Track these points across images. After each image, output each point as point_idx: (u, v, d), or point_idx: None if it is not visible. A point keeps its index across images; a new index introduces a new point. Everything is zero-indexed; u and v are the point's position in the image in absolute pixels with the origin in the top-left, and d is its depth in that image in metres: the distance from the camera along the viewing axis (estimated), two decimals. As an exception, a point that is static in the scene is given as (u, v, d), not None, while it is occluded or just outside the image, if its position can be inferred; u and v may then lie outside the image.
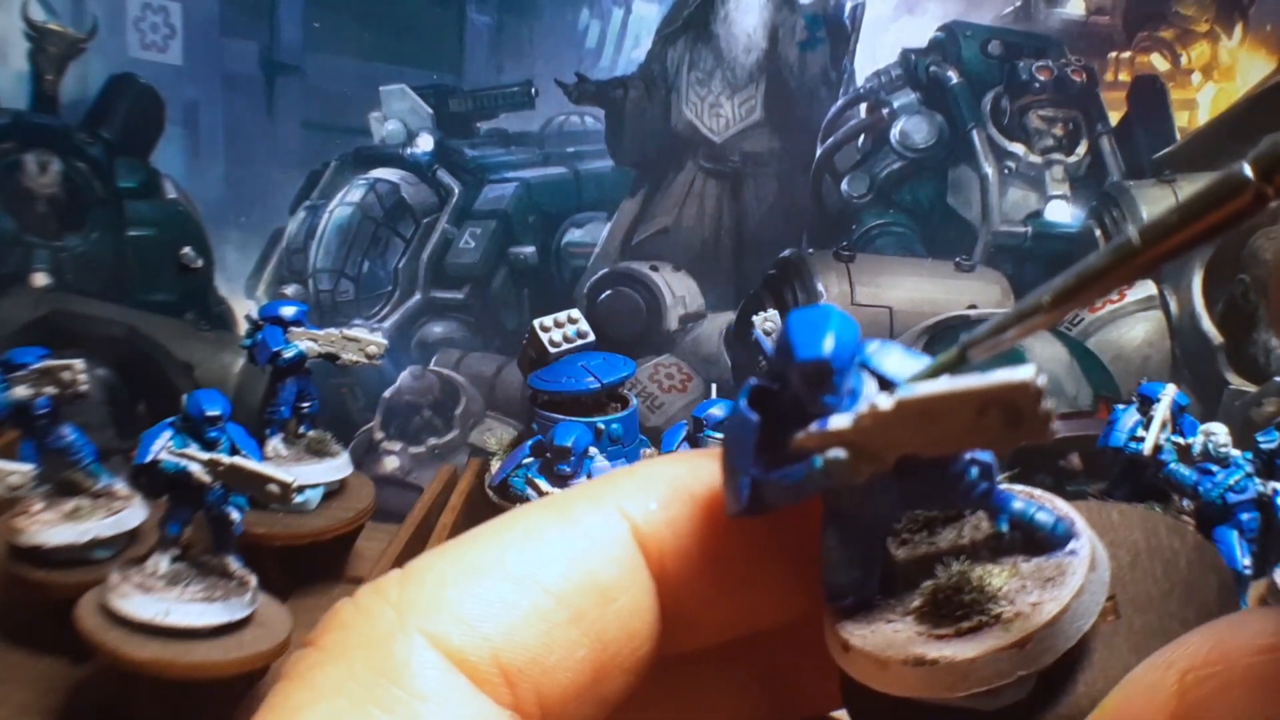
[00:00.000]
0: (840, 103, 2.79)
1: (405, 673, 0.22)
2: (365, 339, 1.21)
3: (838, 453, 0.22)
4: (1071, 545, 0.25)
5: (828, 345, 0.23)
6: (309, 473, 1.17)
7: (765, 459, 0.24)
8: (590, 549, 0.24)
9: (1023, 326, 0.22)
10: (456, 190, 2.91)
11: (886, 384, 0.24)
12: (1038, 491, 0.27)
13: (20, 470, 1.02)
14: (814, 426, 0.22)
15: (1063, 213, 2.46)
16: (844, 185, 2.69)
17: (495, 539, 0.24)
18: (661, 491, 0.26)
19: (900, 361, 0.24)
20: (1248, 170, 0.19)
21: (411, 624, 0.22)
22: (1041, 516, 0.25)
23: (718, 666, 0.28)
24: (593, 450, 1.13)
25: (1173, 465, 1.03)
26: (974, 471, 0.24)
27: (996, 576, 0.25)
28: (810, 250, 2.28)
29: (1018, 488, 0.27)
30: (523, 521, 0.25)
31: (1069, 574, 0.24)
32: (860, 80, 2.82)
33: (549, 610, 0.23)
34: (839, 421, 0.22)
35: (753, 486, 0.24)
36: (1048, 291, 0.22)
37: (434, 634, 0.22)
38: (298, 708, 0.21)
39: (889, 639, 0.24)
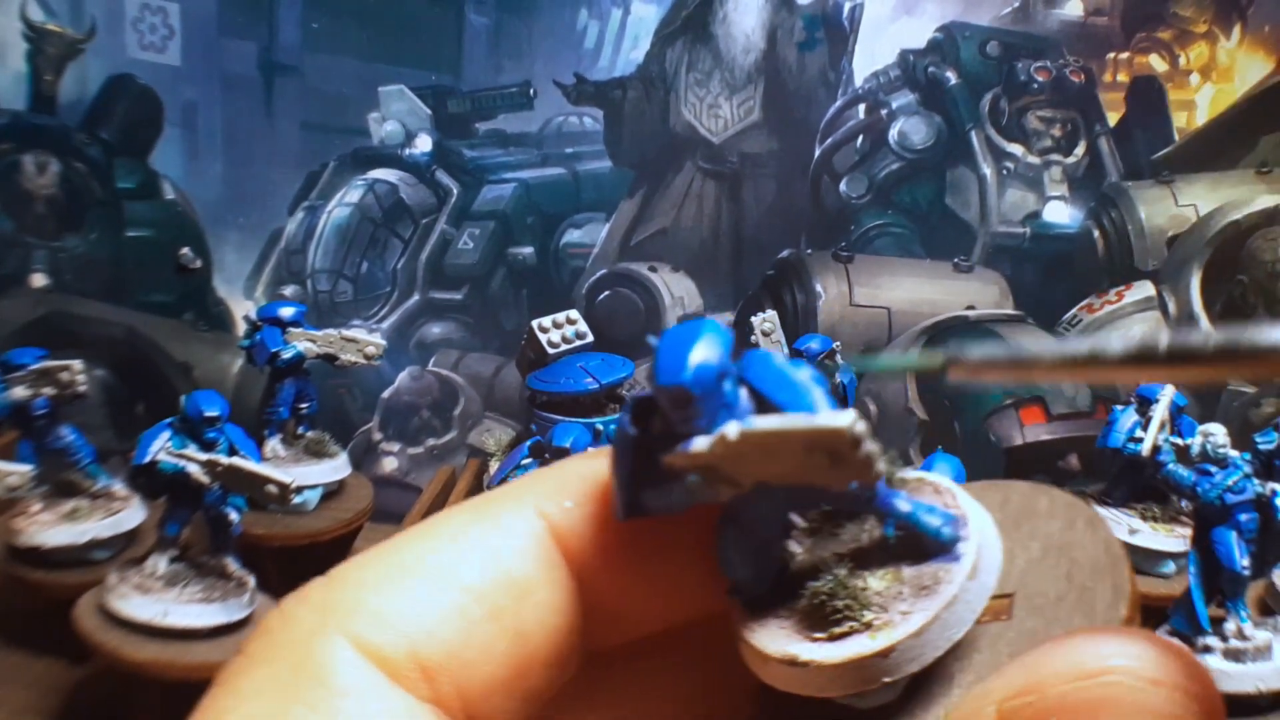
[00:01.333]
0: (839, 103, 2.80)
1: (325, 672, 0.22)
2: (364, 340, 1.21)
3: (695, 476, 0.23)
4: (955, 550, 0.25)
5: (687, 370, 0.23)
6: (307, 473, 1.17)
7: (645, 470, 0.24)
8: (507, 547, 0.25)
9: (1013, 372, 0.23)
10: (455, 191, 2.91)
11: (761, 400, 0.24)
12: (943, 484, 0.26)
13: (18, 471, 1.01)
14: (679, 447, 0.23)
15: (1061, 213, 2.46)
16: (842, 186, 2.69)
17: (415, 541, 0.25)
18: (577, 489, 0.26)
19: (774, 378, 0.24)
20: None
21: (331, 625, 0.23)
22: (927, 520, 0.25)
23: (650, 658, 0.28)
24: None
25: (1171, 466, 1.03)
26: None
27: (876, 581, 0.25)
28: (809, 251, 2.28)
29: (916, 476, 0.27)
30: (443, 524, 0.26)
31: (944, 583, 0.24)
32: (859, 81, 2.82)
33: (466, 606, 0.24)
34: (699, 445, 0.22)
35: (631, 497, 0.25)
36: (1053, 351, 0.22)
37: (353, 633, 0.23)
38: (223, 713, 0.22)
39: (773, 635, 0.25)
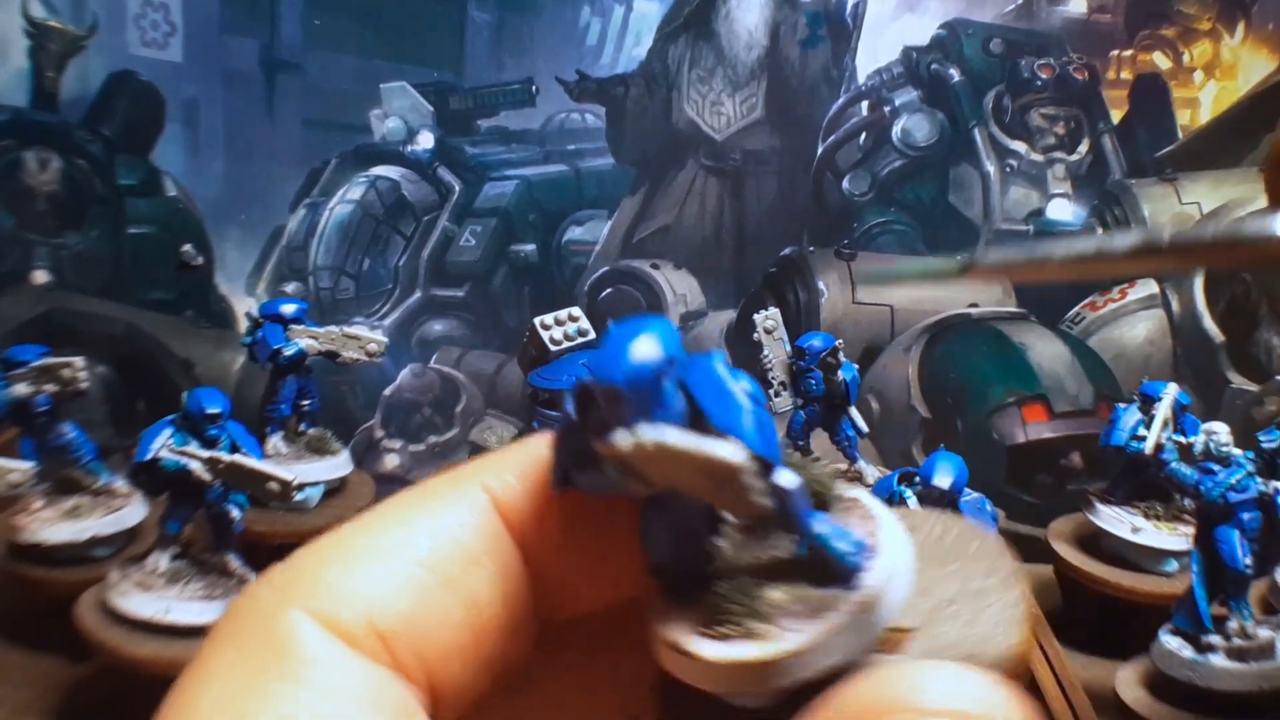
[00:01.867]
0: (841, 100, 2.79)
1: (290, 644, 0.24)
2: (365, 337, 1.21)
3: (612, 474, 0.24)
4: (855, 580, 0.25)
5: (621, 368, 0.24)
6: (309, 471, 1.17)
7: (580, 451, 0.26)
8: (454, 521, 0.27)
9: (1028, 270, 0.23)
10: (457, 188, 2.91)
11: (695, 406, 0.24)
12: (875, 510, 0.27)
13: (20, 468, 1.01)
14: (606, 437, 0.24)
15: (1064, 211, 2.45)
16: (845, 183, 2.69)
17: (369, 522, 0.27)
18: (520, 465, 0.28)
19: (712, 389, 0.25)
20: None
21: (292, 602, 0.24)
22: (836, 544, 0.25)
23: (604, 632, 0.29)
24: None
25: (1174, 464, 1.03)
26: (782, 488, 0.25)
27: (777, 593, 0.26)
28: (811, 248, 2.27)
29: (853, 497, 0.27)
30: (393, 505, 0.27)
31: (835, 610, 0.25)
32: (861, 78, 2.82)
33: (419, 577, 0.25)
34: (618, 440, 0.23)
35: (564, 474, 0.26)
36: (1062, 250, 0.22)
37: (313, 608, 0.24)
38: (195, 694, 0.24)
39: (673, 621, 0.26)
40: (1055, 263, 0.23)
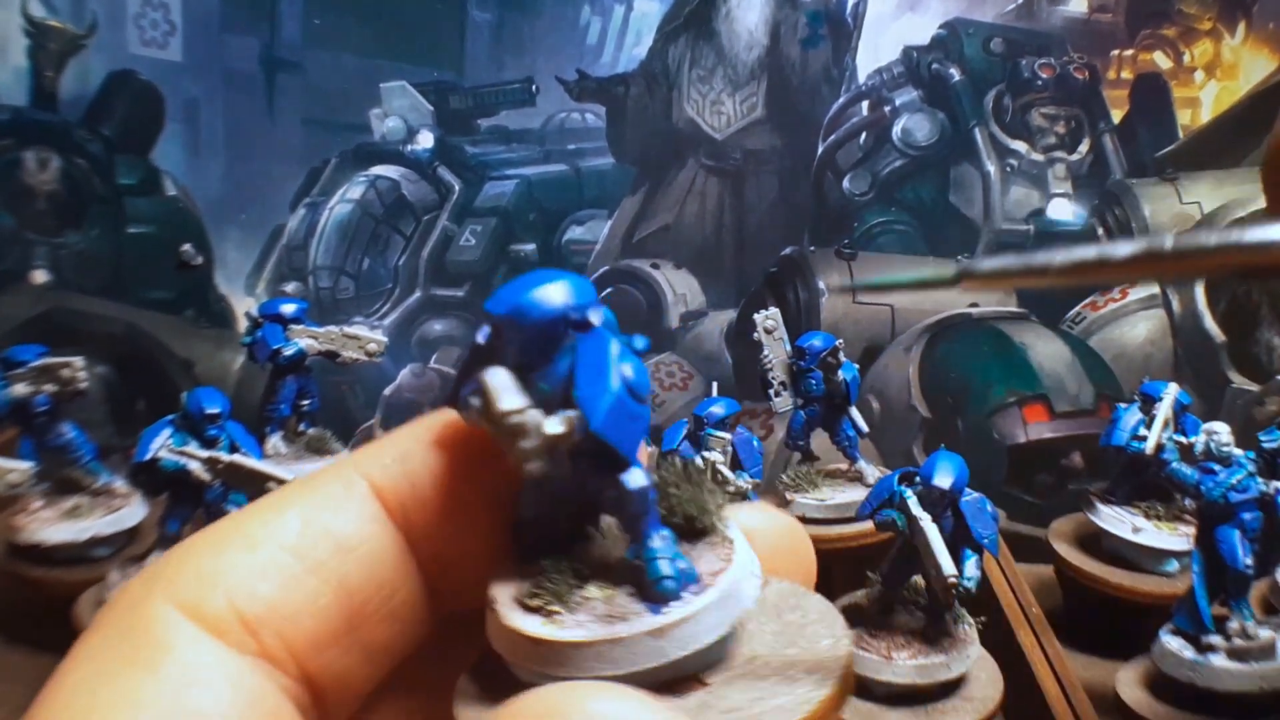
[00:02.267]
0: (842, 100, 2.79)
1: (151, 632, 0.24)
2: (365, 336, 1.21)
3: (471, 399, 0.24)
4: (666, 606, 0.25)
5: (507, 304, 0.24)
6: (309, 471, 1.17)
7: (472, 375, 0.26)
8: (325, 506, 0.26)
9: (1025, 279, 0.23)
10: (457, 187, 2.91)
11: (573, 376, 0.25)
12: (738, 556, 0.27)
13: (19, 468, 1.01)
14: (482, 371, 0.24)
15: (1065, 210, 2.45)
16: (846, 183, 2.69)
17: (244, 513, 0.27)
18: (401, 448, 0.27)
19: (591, 362, 0.25)
20: None
21: (157, 590, 0.25)
22: (658, 564, 0.26)
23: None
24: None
25: (1175, 464, 1.03)
26: (613, 492, 0.26)
27: (594, 589, 0.26)
28: (812, 248, 2.27)
29: (730, 536, 0.27)
30: (273, 496, 0.27)
31: (628, 624, 0.25)
32: (862, 78, 2.82)
33: (285, 563, 0.25)
34: (482, 376, 0.24)
35: (449, 401, 0.26)
36: (1062, 257, 0.22)
37: (177, 596, 0.24)
38: (62, 677, 0.24)
39: (506, 580, 0.26)
40: (1055, 270, 0.22)
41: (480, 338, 0.26)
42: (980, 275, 0.23)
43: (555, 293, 0.25)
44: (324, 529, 0.26)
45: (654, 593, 0.25)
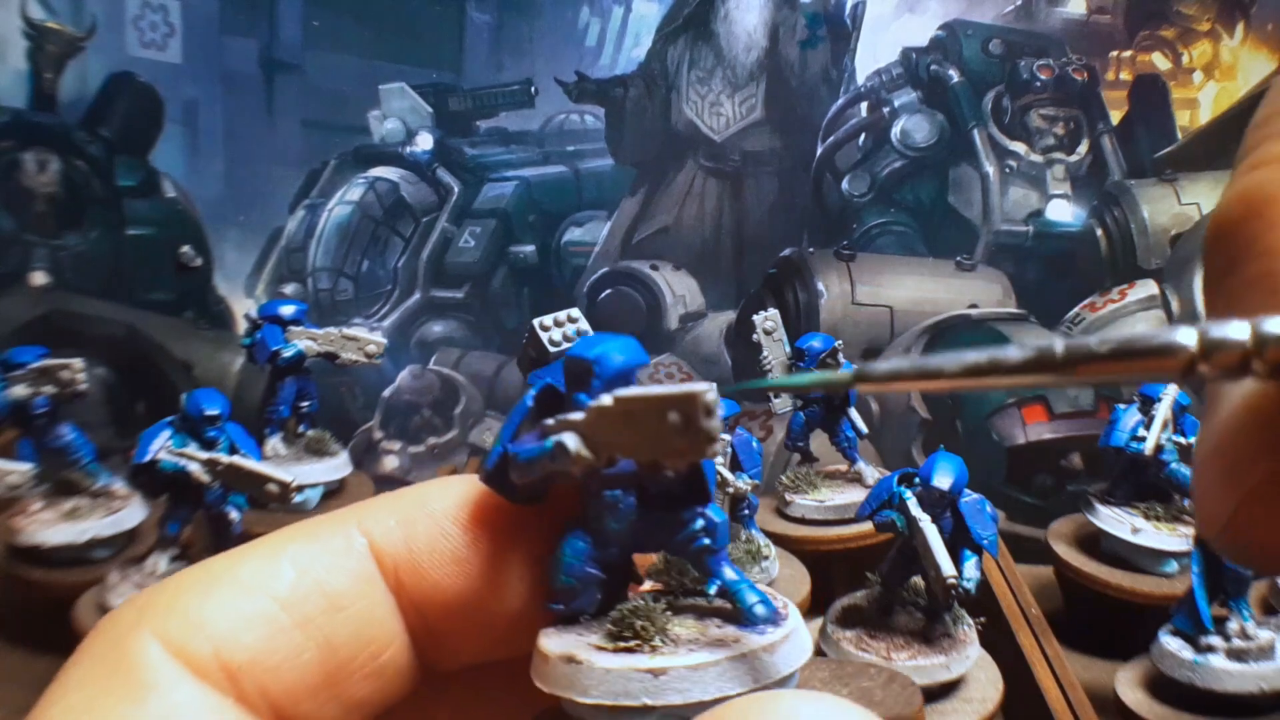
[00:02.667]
0: (841, 101, 2.79)
1: (135, 667, 0.24)
2: (365, 338, 1.21)
3: (565, 436, 0.25)
4: (764, 628, 0.26)
5: (598, 351, 0.26)
6: (308, 472, 1.17)
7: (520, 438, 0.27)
8: (323, 561, 0.26)
9: (919, 382, 0.23)
10: (456, 189, 2.90)
11: None
12: (782, 598, 0.28)
13: (18, 469, 1.01)
14: (579, 404, 0.25)
15: (1064, 212, 2.45)
16: (845, 184, 2.69)
17: (241, 554, 0.27)
18: (403, 509, 0.27)
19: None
20: (1190, 341, 0.20)
21: (144, 625, 0.25)
22: (746, 594, 0.27)
23: (492, 687, 0.29)
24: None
25: (1174, 465, 1.03)
26: (699, 523, 0.27)
27: (683, 627, 0.27)
28: (811, 249, 2.27)
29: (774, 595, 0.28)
30: (270, 539, 0.27)
31: (739, 643, 0.26)
32: (861, 79, 2.82)
33: (273, 615, 0.25)
34: (602, 400, 0.25)
35: (501, 456, 0.26)
36: (954, 362, 0.23)
37: (163, 633, 0.25)
38: (50, 704, 0.24)
39: (564, 641, 0.26)
40: (948, 373, 0.23)
41: (529, 399, 0.27)
42: (876, 378, 0.23)
43: (632, 349, 0.26)
44: (317, 584, 0.26)
45: (749, 618, 0.26)
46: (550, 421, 0.25)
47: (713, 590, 0.27)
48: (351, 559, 0.27)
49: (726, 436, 1.01)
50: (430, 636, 0.27)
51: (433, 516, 0.27)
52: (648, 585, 0.28)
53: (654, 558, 0.28)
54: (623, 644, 0.26)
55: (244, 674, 0.25)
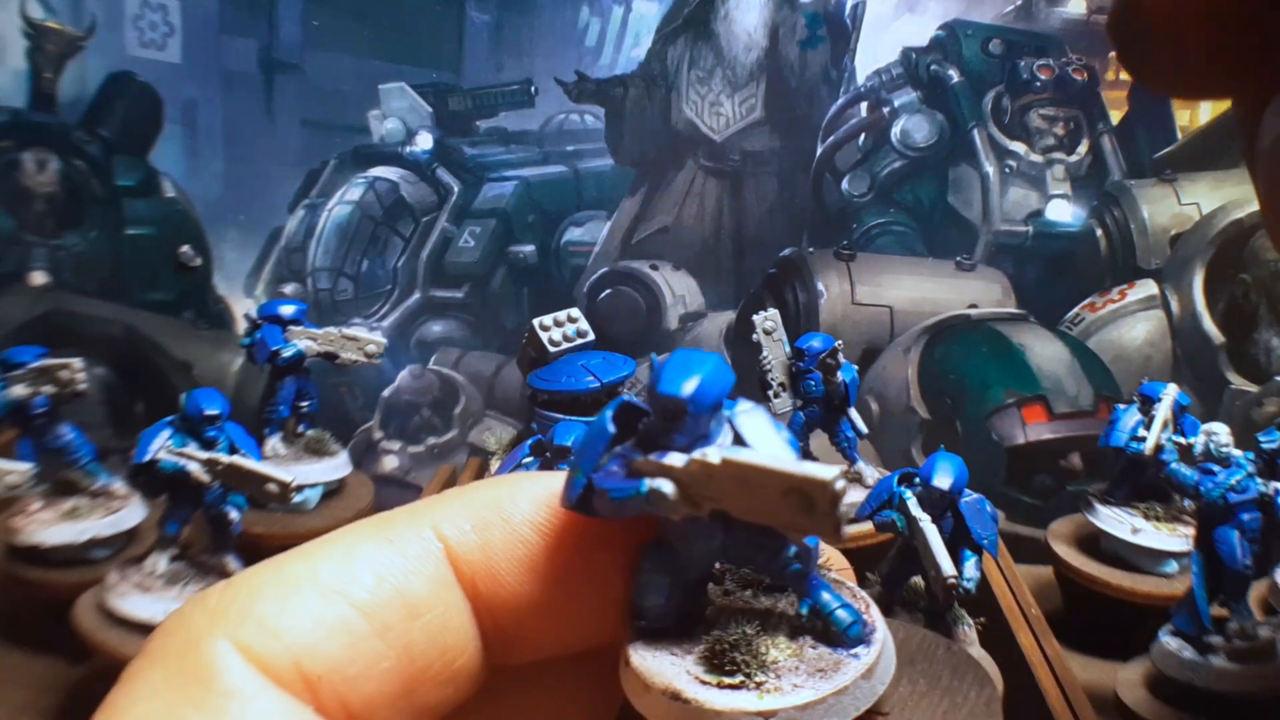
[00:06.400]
0: (841, 101, 2.79)
1: (212, 674, 0.24)
2: (364, 338, 1.21)
3: (663, 484, 0.24)
4: (858, 649, 0.26)
5: (688, 387, 0.25)
6: (308, 472, 1.17)
7: (603, 469, 0.26)
8: (401, 566, 0.26)
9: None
10: (456, 189, 2.90)
11: (741, 442, 0.25)
12: (859, 591, 0.28)
13: (18, 469, 1.01)
14: (654, 455, 0.24)
15: (1064, 212, 2.45)
16: (844, 184, 2.69)
17: (314, 553, 0.26)
18: (479, 514, 0.27)
19: (760, 429, 0.26)
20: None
21: (220, 630, 0.24)
22: (840, 613, 0.27)
23: (554, 679, 0.29)
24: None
25: (1174, 465, 1.03)
26: (792, 550, 0.26)
27: (779, 650, 0.26)
28: (811, 249, 2.27)
29: (838, 578, 0.28)
30: (343, 538, 0.27)
31: (841, 672, 0.26)
32: (861, 79, 2.82)
33: (354, 623, 0.25)
34: (675, 459, 0.24)
35: (586, 487, 0.26)
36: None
37: (239, 639, 0.24)
38: (118, 710, 0.23)
39: (662, 668, 0.26)
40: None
41: (609, 423, 0.26)
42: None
43: (716, 379, 0.25)
44: (396, 590, 0.25)
45: (846, 639, 0.26)
46: (643, 460, 0.25)
47: (804, 610, 0.27)
48: (429, 564, 0.26)
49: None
50: (502, 639, 0.27)
51: (509, 523, 0.27)
52: (724, 601, 0.28)
53: (743, 578, 0.28)
54: (726, 680, 0.25)
55: (323, 684, 0.24)
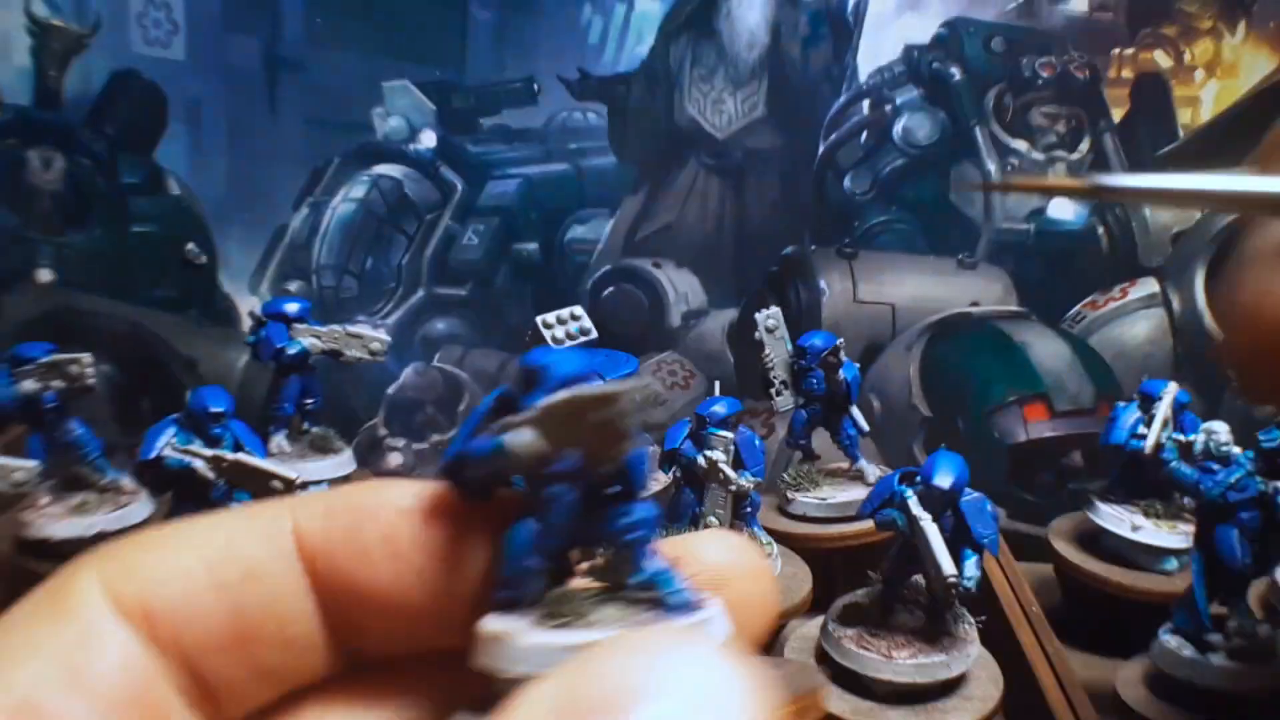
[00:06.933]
0: (843, 99, 2.79)
1: (69, 599, 0.28)
2: (369, 335, 1.21)
3: (513, 433, 0.27)
4: (688, 615, 0.28)
5: (548, 360, 0.28)
6: (313, 469, 1.18)
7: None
8: (247, 534, 0.30)
9: (1162, 199, 0.26)
10: (459, 187, 2.91)
11: None
12: (713, 599, 0.29)
13: (24, 466, 1.02)
14: (533, 403, 0.27)
15: (1065, 210, 2.45)
16: (846, 182, 2.69)
17: (198, 520, 0.31)
18: (333, 503, 0.31)
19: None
20: None
21: (92, 568, 0.29)
22: (670, 580, 0.28)
23: (411, 672, 0.32)
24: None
25: (1174, 463, 1.03)
26: (629, 517, 0.28)
27: (606, 608, 0.28)
28: (813, 247, 2.28)
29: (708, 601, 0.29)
30: (222, 514, 0.31)
31: (659, 624, 0.27)
32: (863, 77, 2.82)
33: (195, 573, 0.29)
34: (556, 396, 0.27)
35: (456, 455, 0.29)
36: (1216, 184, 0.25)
37: (104, 576, 0.28)
38: None
39: (502, 624, 0.28)
40: (1204, 195, 0.25)
41: (487, 401, 0.29)
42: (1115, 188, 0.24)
43: (577, 365, 0.28)
44: (237, 552, 0.29)
45: (673, 604, 0.28)
46: (503, 421, 0.27)
47: (638, 579, 0.28)
48: (273, 538, 0.30)
49: (730, 435, 1.02)
50: (347, 624, 0.30)
51: (353, 511, 0.30)
52: (581, 582, 0.29)
53: (599, 559, 0.30)
54: (553, 623, 0.27)
55: (160, 619, 0.28)
